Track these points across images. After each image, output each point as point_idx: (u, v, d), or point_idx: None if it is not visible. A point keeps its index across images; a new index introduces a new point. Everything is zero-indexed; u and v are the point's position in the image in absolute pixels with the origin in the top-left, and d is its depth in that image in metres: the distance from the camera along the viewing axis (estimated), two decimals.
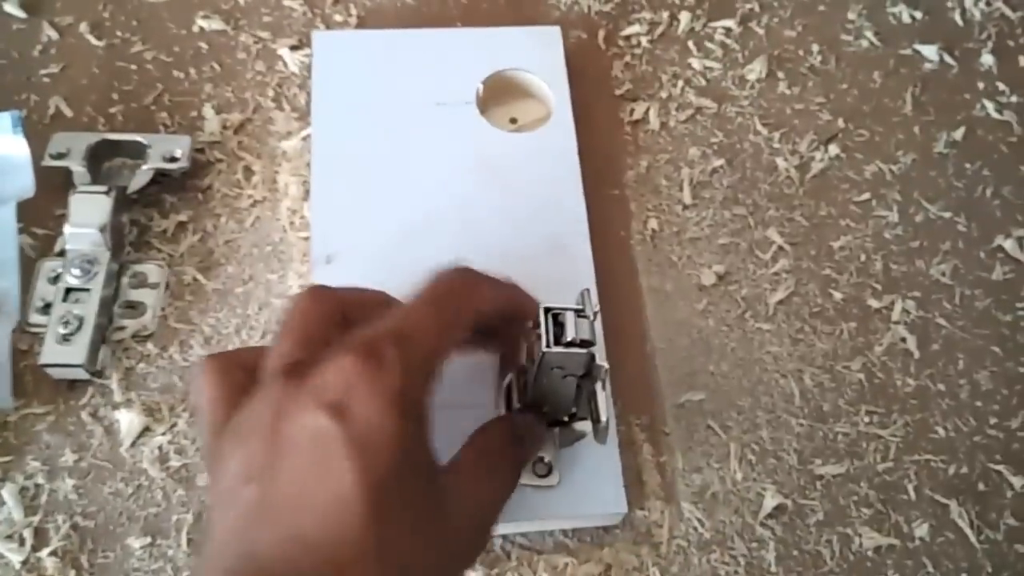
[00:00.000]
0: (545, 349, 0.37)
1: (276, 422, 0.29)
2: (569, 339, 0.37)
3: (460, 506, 0.32)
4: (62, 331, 0.44)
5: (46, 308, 0.46)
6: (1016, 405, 0.48)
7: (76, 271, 0.46)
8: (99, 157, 0.51)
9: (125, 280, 0.48)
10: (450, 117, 0.52)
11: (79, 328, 0.45)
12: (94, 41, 0.56)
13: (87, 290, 0.46)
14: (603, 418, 0.36)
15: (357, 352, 0.29)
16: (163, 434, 0.44)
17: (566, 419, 0.42)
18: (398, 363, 0.30)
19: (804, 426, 0.46)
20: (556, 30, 0.55)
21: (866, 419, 0.47)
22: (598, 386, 0.37)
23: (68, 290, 0.46)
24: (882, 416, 0.47)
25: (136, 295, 0.48)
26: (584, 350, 0.37)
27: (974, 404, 0.48)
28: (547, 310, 0.37)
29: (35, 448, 0.44)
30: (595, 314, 0.38)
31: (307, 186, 0.51)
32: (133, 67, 0.55)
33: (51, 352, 0.44)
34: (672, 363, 0.48)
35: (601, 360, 0.38)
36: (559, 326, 0.37)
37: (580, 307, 0.38)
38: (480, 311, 0.35)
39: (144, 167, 0.50)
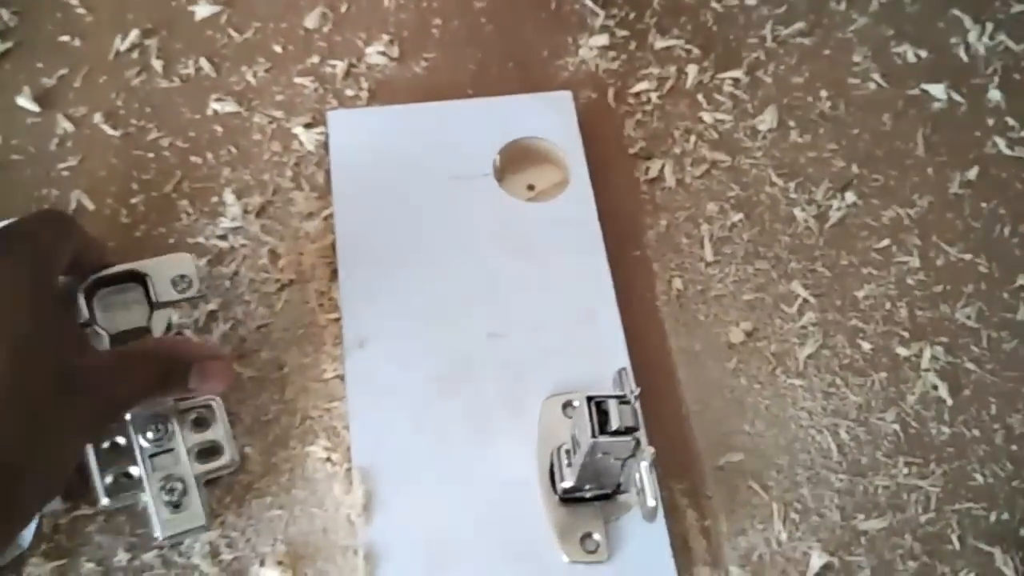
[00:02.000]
0: (592, 439, 0.38)
1: None
2: (614, 428, 0.37)
3: (89, 388, 0.38)
4: (167, 499, 0.42)
5: (117, 486, 0.44)
6: None
7: (149, 434, 0.43)
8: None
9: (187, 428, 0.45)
10: (469, 190, 0.53)
11: (184, 490, 0.42)
12: (110, 131, 0.56)
13: (170, 449, 0.43)
14: (651, 502, 0.37)
15: None
16: (212, 528, 0.45)
17: (611, 493, 0.43)
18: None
19: (844, 481, 0.47)
20: (568, 95, 0.56)
21: (905, 470, 0.47)
22: (644, 469, 0.38)
23: (152, 456, 0.43)
24: (920, 466, 0.47)
25: (205, 437, 0.45)
26: (629, 437, 0.38)
27: (1009, 448, 0.48)
28: (590, 399, 0.38)
29: (88, 549, 0.44)
30: (636, 397, 0.39)
31: (332, 266, 0.51)
32: (151, 155, 0.55)
33: (170, 524, 0.42)
34: (708, 425, 0.48)
35: (645, 442, 0.38)
36: (603, 414, 0.38)
37: (621, 393, 0.39)
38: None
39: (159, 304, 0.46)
